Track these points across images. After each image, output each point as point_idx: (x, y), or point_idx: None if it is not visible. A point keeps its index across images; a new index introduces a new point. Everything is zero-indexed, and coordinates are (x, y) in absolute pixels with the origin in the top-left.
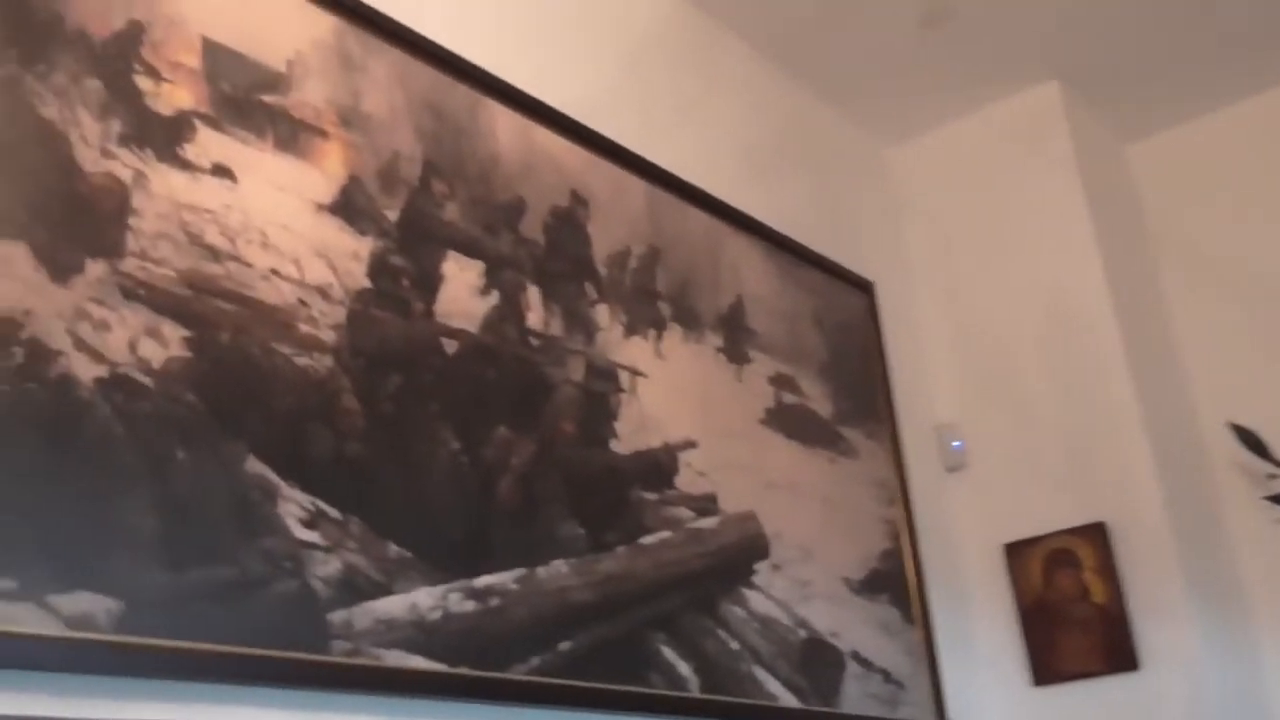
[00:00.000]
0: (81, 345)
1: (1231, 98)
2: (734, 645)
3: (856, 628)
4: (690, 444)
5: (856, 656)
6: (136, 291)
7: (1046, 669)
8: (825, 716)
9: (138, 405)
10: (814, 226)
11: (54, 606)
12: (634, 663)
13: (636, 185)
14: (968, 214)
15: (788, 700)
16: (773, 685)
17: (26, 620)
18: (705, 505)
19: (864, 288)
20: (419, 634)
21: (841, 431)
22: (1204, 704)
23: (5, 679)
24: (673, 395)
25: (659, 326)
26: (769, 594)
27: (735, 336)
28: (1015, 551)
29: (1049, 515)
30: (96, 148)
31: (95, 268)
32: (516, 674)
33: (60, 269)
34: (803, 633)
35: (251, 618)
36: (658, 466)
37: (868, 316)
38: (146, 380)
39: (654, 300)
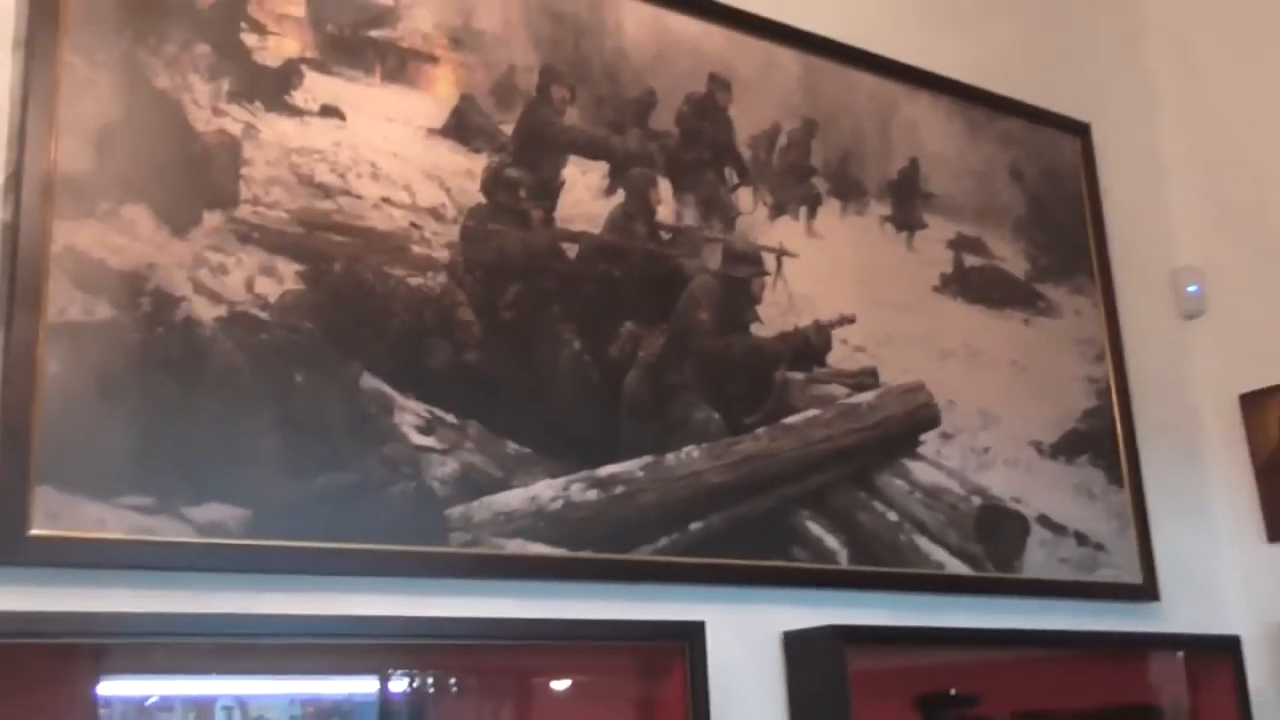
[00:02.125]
0: (201, 289)
1: None
2: (892, 516)
3: (1046, 492)
4: (846, 319)
5: (1045, 521)
6: (251, 235)
7: None
8: (1001, 582)
9: (256, 338)
10: (1016, 72)
11: (188, 517)
12: (774, 538)
13: (788, 58)
14: (1215, 32)
15: (956, 568)
16: (939, 554)
17: (164, 530)
18: (863, 380)
19: (1078, 130)
20: (539, 522)
21: (1039, 290)
22: None
23: (148, 579)
24: (827, 272)
25: (812, 203)
26: (937, 463)
27: (906, 203)
28: (1252, 401)
29: None
30: (208, 108)
31: (212, 218)
32: (643, 554)
33: (179, 224)
34: (977, 500)
35: (371, 518)
36: (807, 346)
37: (1080, 161)
38: (263, 314)
39: (807, 177)
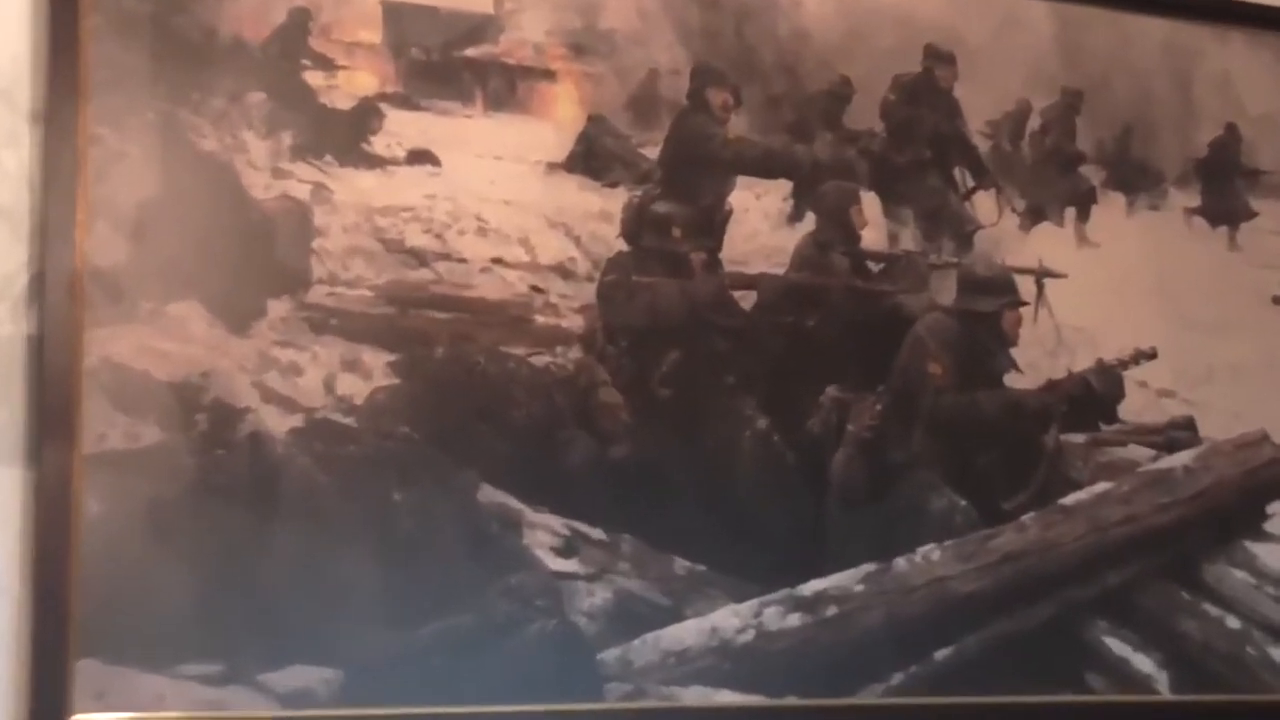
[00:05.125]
0: (270, 396)
1: None
2: (1232, 622)
3: None
4: (1144, 354)
5: None
6: (328, 323)
7: None
8: None
9: (342, 450)
10: None
11: (266, 685)
12: (1059, 662)
13: (1037, 12)
14: None
15: None
16: None
17: (237, 703)
18: (1175, 436)
19: None
20: (724, 662)
21: None
22: None
23: None
24: (1111, 292)
25: (1083, 202)
26: None
27: (1223, 187)
28: None
29: None
30: (267, 169)
31: (278, 307)
32: (870, 697)
33: (239, 318)
34: None
35: (498, 670)
36: (1088, 395)
37: None
38: (349, 420)
39: (1073, 167)
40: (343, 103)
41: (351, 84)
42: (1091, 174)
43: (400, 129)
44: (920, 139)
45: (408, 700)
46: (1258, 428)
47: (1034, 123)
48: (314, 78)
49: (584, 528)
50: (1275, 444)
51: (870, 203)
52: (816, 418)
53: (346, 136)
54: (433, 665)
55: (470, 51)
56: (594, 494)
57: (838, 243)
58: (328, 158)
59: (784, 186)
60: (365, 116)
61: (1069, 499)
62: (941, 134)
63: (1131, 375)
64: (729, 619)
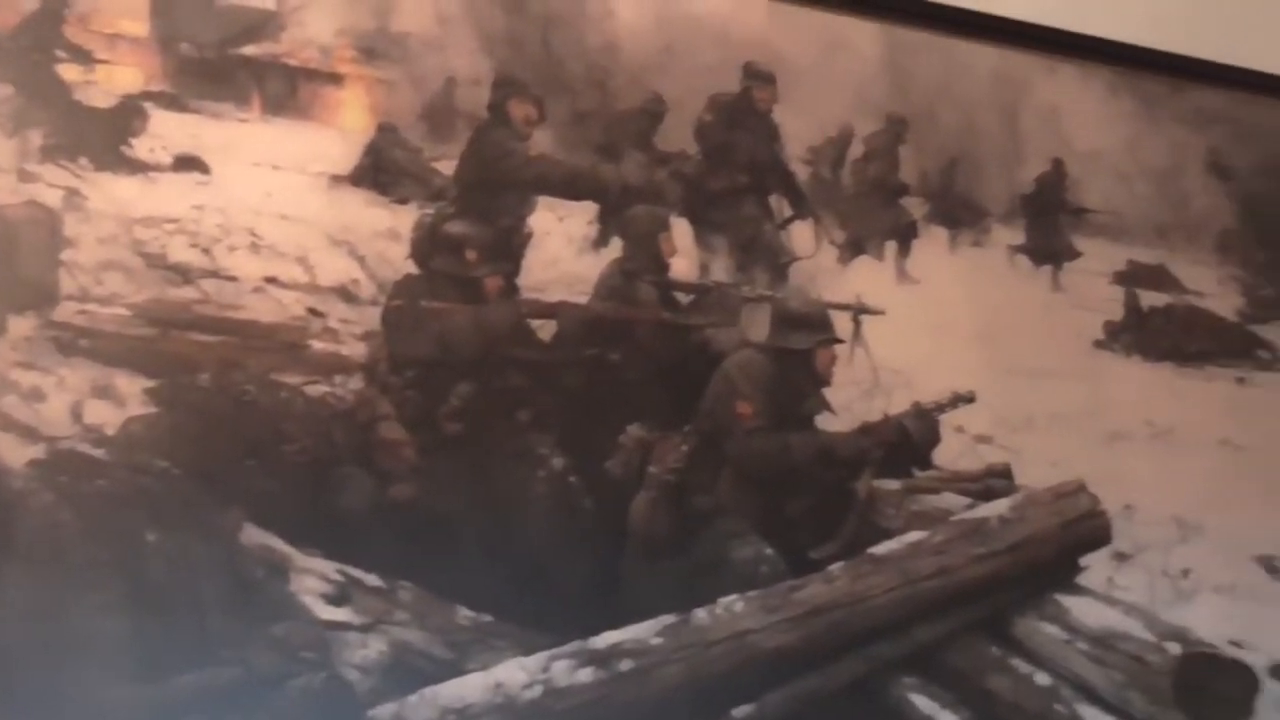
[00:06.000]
0: (8, 423)
1: None
2: (1041, 679)
3: None
4: (964, 398)
5: None
6: (77, 343)
7: None
8: None
9: (89, 484)
10: (1216, 22)
11: None
12: None
13: (863, 33)
14: None
15: None
16: None
17: None
18: (992, 484)
19: None
20: None
21: (1260, 334)
22: None
23: None
24: (930, 333)
25: (905, 235)
26: (1110, 597)
27: (1047, 225)
28: None
29: None
30: (11, 171)
31: (20, 324)
32: None
33: None
34: (1174, 647)
35: None
36: (904, 440)
37: None
38: (98, 452)
39: (895, 198)
40: (101, 101)
41: (112, 80)
42: (914, 207)
43: (166, 132)
44: (736, 164)
45: None
46: (1075, 477)
47: (856, 150)
48: (69, 71)
49: (358, 573)
50: (1092, 494)
51: (681, 230)
52: (617, 459)
53: (105, 138)
54: None
55: (248, 49)
56: (371, 537)
57: (645, 271)
58: (83, 161)
59: (589, 209)
60: (127, 117)
61: (880, 548)
62: (759, 159)
63: (948, 419)
64: (515, 673)
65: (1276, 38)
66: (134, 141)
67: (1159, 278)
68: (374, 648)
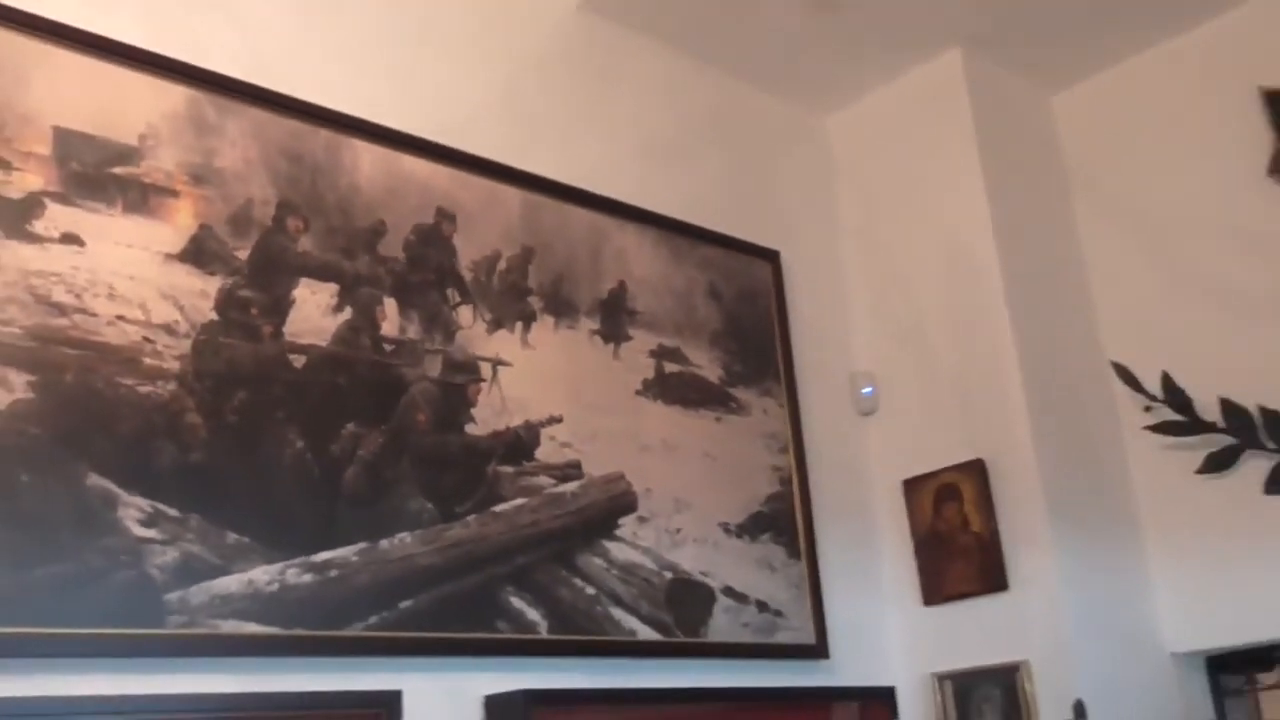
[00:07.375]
0: None
1: (1153, 40)
2: (590, 590)
3: (731, 566)
4: (554, 419)
5: (730, 591)
6: None
7: (934, 591)
8: (687, 646)
9: None
10: (716, 207)
11: None
12: (480, 613)
13: (511, 195)
14: (885, 178)
15: (648, 634)
16: (631, 623)
17: None
18: (568, 472)
19: (769, 256)
20: (255, 604)
21: (732, 392)
22: (1061, 618)
23: None
24: (539, 379)
25: (528, 319)
26: (634, 544)
27: (614, 319)
28: (912, 487)
29: (941, 453)
30: None
31: None
32: (352, 630)
33: None
34: (668, 574)
35: (91, 604)
36: (518, 442)
37: (771, 283)
38: None
39: (523, 296)
40: (14, 194)
41: (23, 182)
42: (535, 302)
43: (57, 217)
44: (428, 268)
45: (22, 623)
46: (618, 470)
47: (501, 265)
48: None
49: (164, 507)
50: (628, 481)
51: (390, 305)
52: (338, 444)
53: (14, 218)
54: (42, 599)
55: (117, 170)
56: (174, 485)
57: (365, 328)
58: None
59: (333, 288)
60: (31, 206)
61: (499, 508)
62: (442, 266)
63: (546, 432)
64: (262, 575)
65: (747, 220)
66: (35, 222)
67: (676, 355)
68: (170, 555)
